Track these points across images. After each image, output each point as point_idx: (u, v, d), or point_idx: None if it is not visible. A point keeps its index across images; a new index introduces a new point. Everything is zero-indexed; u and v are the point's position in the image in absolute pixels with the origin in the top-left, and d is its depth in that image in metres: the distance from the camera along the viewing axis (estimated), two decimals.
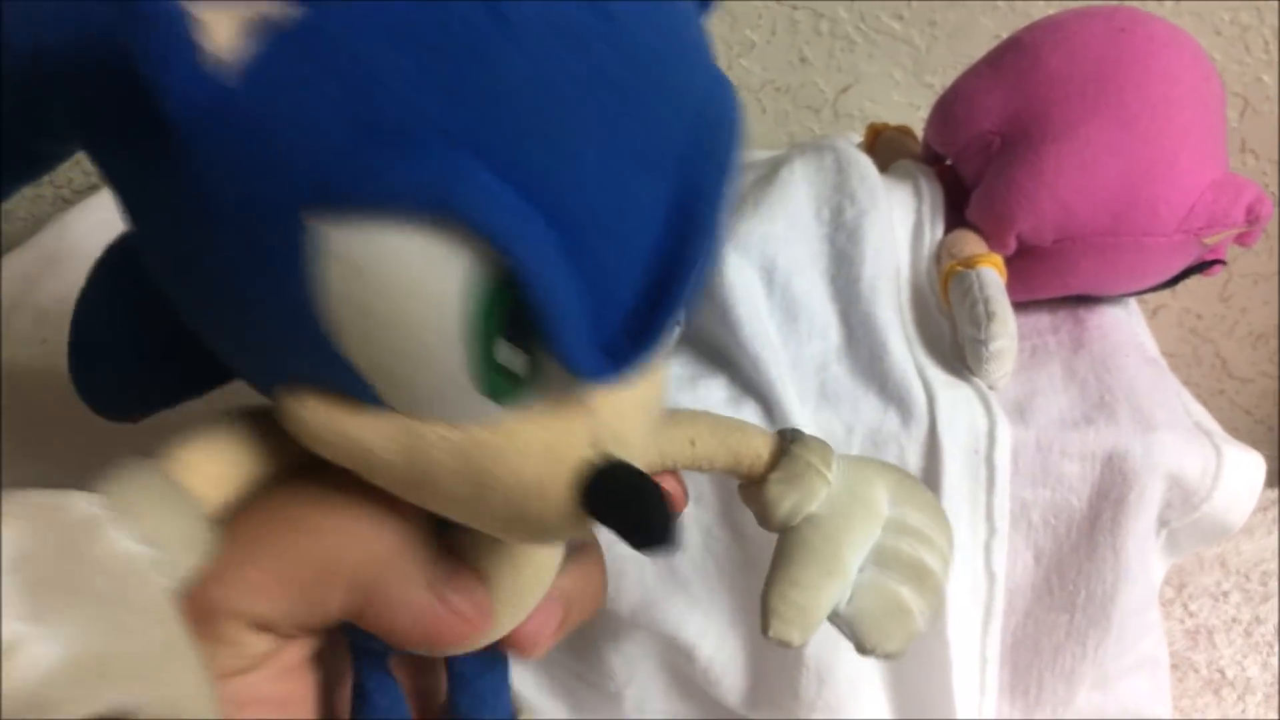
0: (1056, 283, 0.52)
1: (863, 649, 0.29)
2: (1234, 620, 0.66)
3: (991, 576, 0.45)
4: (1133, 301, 0.56)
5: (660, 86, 0.20)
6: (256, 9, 0.17)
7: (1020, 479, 0.45)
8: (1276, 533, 0.73)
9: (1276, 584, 0.69)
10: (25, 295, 0.55)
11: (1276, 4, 0.71)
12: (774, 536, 0.31)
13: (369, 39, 0.17)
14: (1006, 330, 0.46)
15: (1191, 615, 0.67)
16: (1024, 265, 0.51)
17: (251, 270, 0.19)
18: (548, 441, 0.22)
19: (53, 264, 0.58)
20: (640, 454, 0.23)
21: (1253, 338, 0.83)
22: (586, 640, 0.48)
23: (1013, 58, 0.51)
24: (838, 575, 0.29)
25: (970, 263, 0.49)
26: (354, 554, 0.24)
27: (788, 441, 0.30)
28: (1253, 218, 0.48)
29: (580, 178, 0.19)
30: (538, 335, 0.19)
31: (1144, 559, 0.45)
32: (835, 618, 0.29)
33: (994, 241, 0.50)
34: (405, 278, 0.19)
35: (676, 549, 0.24)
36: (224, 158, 0.18)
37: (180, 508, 0.22)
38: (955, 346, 0.49)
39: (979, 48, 0.59)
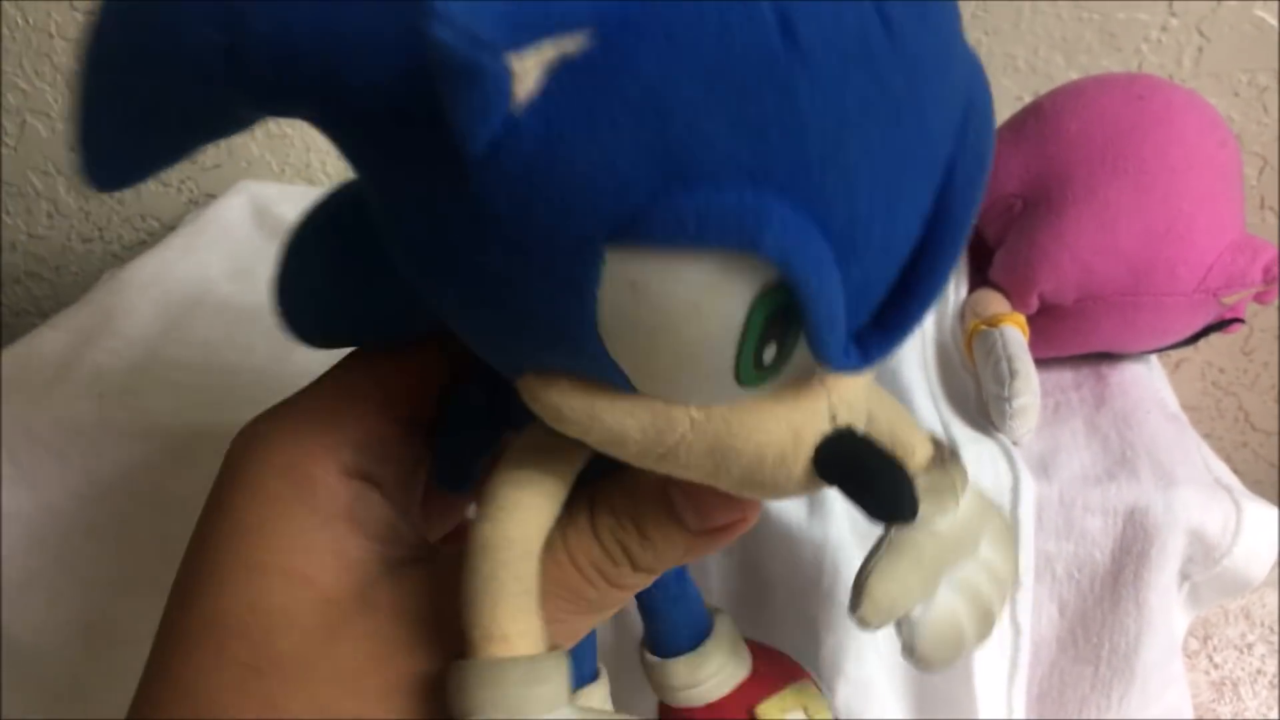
0: (1078, 341, 0.53)
1: (911, 653, 0.31)
2: (1259, 672, 0.67)
3: (1017, 628, 0.46)
4: (1154, 358, 0.57)
5: (936, 93, 0.19)
6: (558, 47, 0.17)
7: (1044, 533, 0.46)
8: None
9: None
10: (80, 351, 0.57)
11: None
12: None
13: (661, 70, 0.17)
14: (1029, 387, 0.47)
15: (1217, 667, 0.67)
16: (1046, 324, 0.52)
17: (534, 286, 0.20)
18: (789, 418, 0.23)
19: (107, 320, 0.60)
20: (866, 424, 0.25)
21: (1275, 391, 0.84)
22: None
23: (1034, 123, 0.53)
24: (930, 588, 0.30)
25: (994, 321, 0.51)
26: None
27: (943, 454, 0.31)
28: (1270, 278, 0.49)
29: (858, 193, 0.19)
30: (797, 331, 0.20)
31: (1166, 612, 0.46)
32: (904, 617, 0.30)
33: (1017, 301, 0.52)
34: (689, 298, 0.19)
35: (914, 516, 0.25)
36: (520, 190, 0.18)
37: (545, 676, 0.24)
38: (980, 403, 0.51)
39: (1002, 108, 0.61)
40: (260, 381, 0.55)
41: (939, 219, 0.20)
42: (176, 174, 0.88)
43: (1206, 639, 0.69)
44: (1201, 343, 0.55)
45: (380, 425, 0.28)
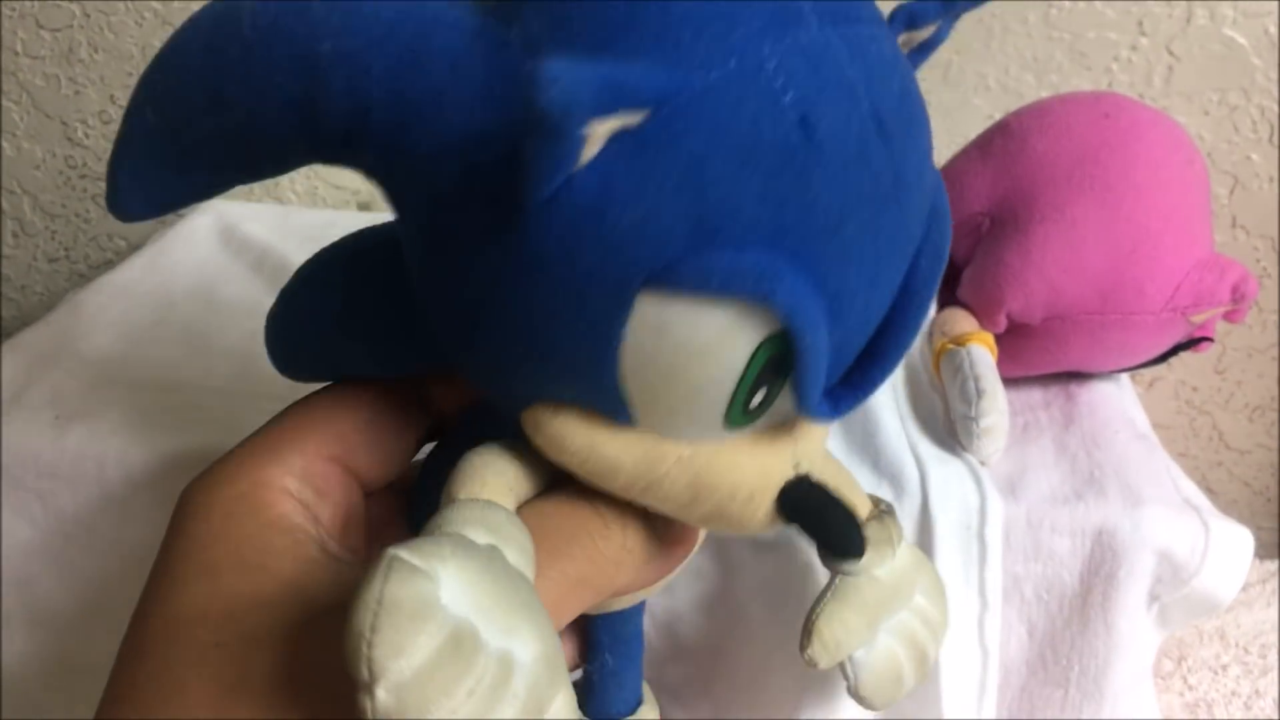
0: (1047, 359, 0.53)
1: (857, 695, 0.34)
2: (1234, 694, 0.66)
3: (985, 650, 0.45)
4: (1124, 377, 0.57)
5: (914, 190, 0.23)
6: (625, 119, 0.20)
7: (1012, 554, 0.46)
8: (1276, 605, 0.73)
9: (1276, 657, 0.69)
10: (38, 372, 0.56)
11: (1267, 85, 0.72)
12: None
13: (703, 149, 0.20)
14: (997, 407, 0.47)
15: (1191, 688, 0.67)
16: (1015, 343, 0.52)
17: (567, 323, 0.23)
18: (762, 461, 0.26)
19: (67, 341, 0.59)
20: (822, 472, 0.28)
21: (1249, 410, 0.84)
22: None
23: (1001, 142, 0.53)
24: (871, 631, 0.34)
25: (961, 340, 0.50)
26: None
27: (880, 509, 0.34)
28: (1238, 296, 0.49)
29: (852, 266, 0.22)
30: (783, 381, 0.24)
31: (1135, 633, 0.46)
32: (848, 659, 0.34)
33: (984, 320, 0.51)
34: (702, 340, 0.22)
35: (862, 555, 0.29)
36: (569, 236, 0.21)
37: (520, 528, 0.25)
38: (948, 423, 0.50)
39: (972, 127, 0.61)
40: (221, 402, 0.54)
41: (905, 295, 0.24)
42: None
43: (1181, 660, 0.69)
44: (1175, 361, 0.55)
45: (316, 465, 0.29)
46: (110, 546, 0.52)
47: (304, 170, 0.84)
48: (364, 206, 0.85)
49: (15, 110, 0.85)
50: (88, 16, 0.81)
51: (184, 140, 0.25)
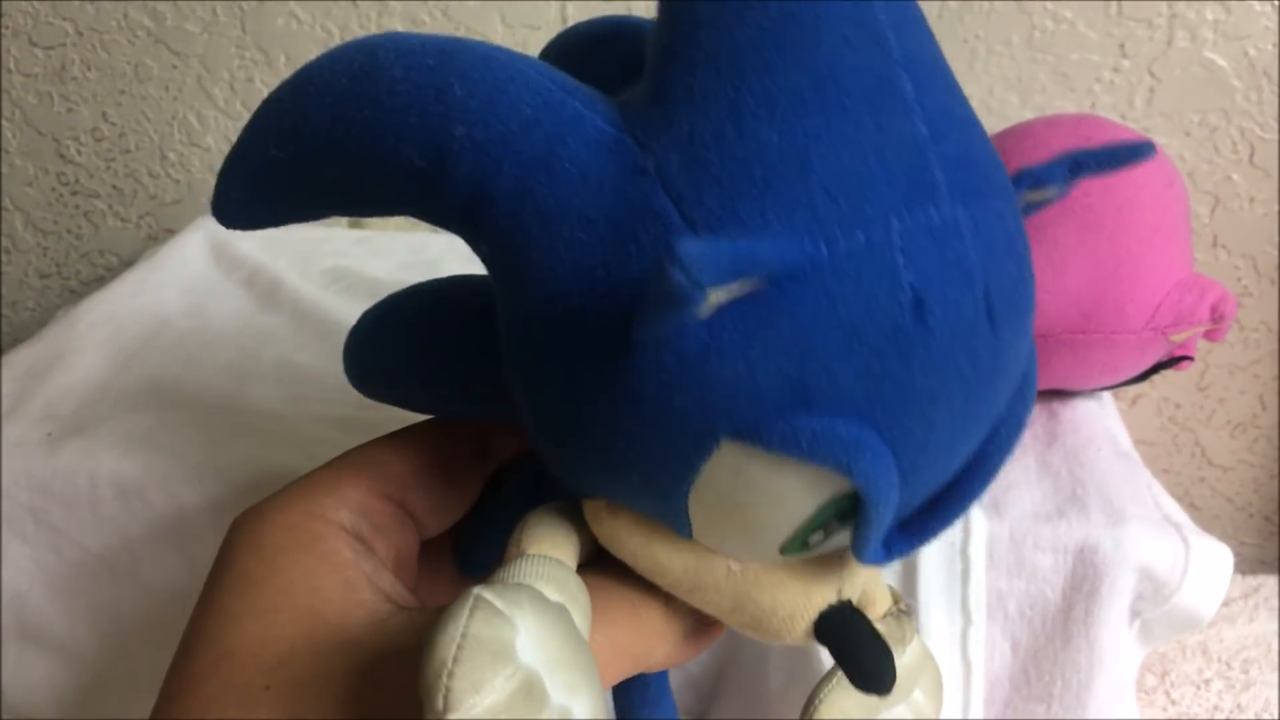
0: None
1: None
2: (1216, 709, 0.67)
3: (968, 666, 0.46)
4: (1106, 394, 0.58)
5: (1008, 369, 0.23)
6: (745, 286, 0.20)
7: (995, 570, 0.46)
8: (1258, 620, 0.74)
9: (1258, 672, 0.69)
10: (30, 389, 0.56)
11: (1247, 106, 0.73)
12: None
13: (813, 319, 0.21)
14: None
15: (1174, 703, 0.68)
16: None
17: (648, 452, 0.23)
18: (807, 586, 0.27)
19: (59, 358, 0.59)
20: (870, 603, 0.28)
21: (1231, 426, 0.85)
22: None
23: None
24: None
25: None
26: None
27: (899, 608, 0.33)
28: (1217, 316, 0.50)
29: (931, 437, 0.22)
30: (845, 525, 0.24)
31: (1118, 650, 0.46)
32: None
33: None
34: (779, 491, 0.22)
35: (890, 690, 0.28)
36: (668, 379, 0.22)
37: (583, 590, 0.25)
38: None
39: None
40: (214, 420, 0.54)
41: (978, 461, 0.24)
42: (135, 209, 0.88)
43: (1164, 675, 0.69)
44: (1158, 379, 0.56)
45: (372, 501, 0.29)
46: (102, 563, 0.52)
47: None
48: (355, 223, 0.86)
49: (8, 127, 0.86)
50: (80, 34, 0.81)
51: (302, 178, 0.26)
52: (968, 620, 0.46)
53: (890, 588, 0.33)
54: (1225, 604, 0.74)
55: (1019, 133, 0.54)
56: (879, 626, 0.32)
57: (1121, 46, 0.73)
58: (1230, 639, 0.72)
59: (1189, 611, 0.46)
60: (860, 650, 0.27)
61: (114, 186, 0.87)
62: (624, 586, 0.28)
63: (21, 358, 0.60)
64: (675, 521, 0.25)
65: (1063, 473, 0.50)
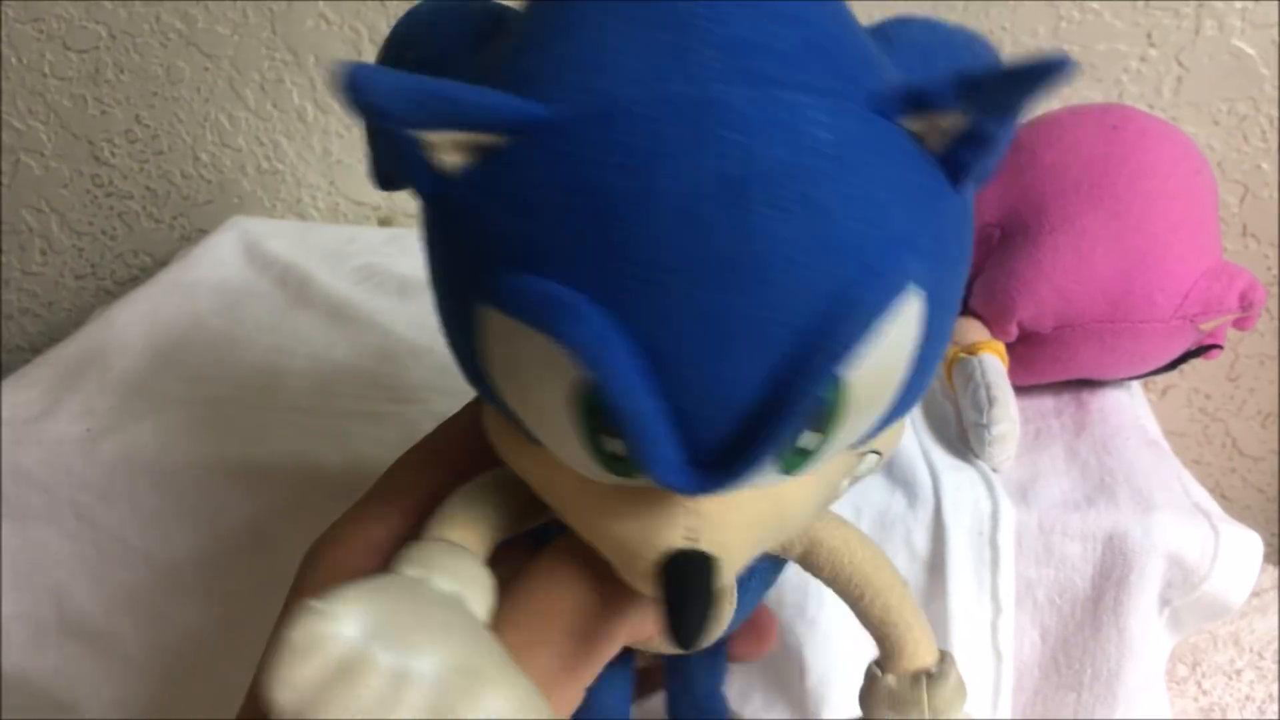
0: (1058, 368, 0.53)
1: None
2: (1248, 698, 0.67)
3: (998, 655, 0.46)
4: (1135, 384, 0.58)
5: (782, 271, 0.21)
6: (471, 138, 0.22)
7: (1024, 559, 0.47)
8: None
9: None
10: (69, 386, 0.58)
11: (1275, 94, 0.73)
12: None
13: (539, 177, 0.21)
14: (1008, 415, 0.48)
15: (1205, 693, 0.67)
16: (1026, 351, 0.53)
17: (450, 307, 0.25)
18: (645, 519, 0.25)
19: (97, 356, 0.60)
20: (737, 558, 0.26)
21: (1261, 416, 0.84)
22: None
23: (1010, 155, 0.53)
24: None
25: (973, 349, 0.51)
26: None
27: (933, 673, 0.31)
28: (1246, 304, 0.50)
29: (678, 329, 0.21)
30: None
31: (1147, 637, 0.46)
32: None
33: (996, 329, 0.52)
34: (531, 364, 0.22)
35: (688, 649, 0.26)
36: (444, 229, 0.24)
37: (465, 559, 0.27)
38: (960, 431, 0.51)
39: None
40: (250, 416, 0.55)
41: (785, 384, 0.22)
42: (169, 210, 0.89)
43: (1195, 665, 0.69)
44: (1187, 369, 0.55)
45: (425, 520, 0.30)
46: (141, 557, 0.53)
47: (325, 186, 0.85)
48: (384, 221, 0.86)
49: (43, 130, 0.87)
50: (114, 38, 0.83)
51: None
52: (997, 609, 0.46)
53: (943, 652, 0.31)
54: (1257, 594, 0.73)
55: (1045, 123, 0.54)
56: (888, 681, 0.31)
57: (1149, 36, 0.73)
58: (1262, 629, 0.71)
59: (1219, 598, 0.46)
60: (677, 600, 0.25)
61: (147, 188, 0.89)
62: (563, 565, 0.29)
63: (60, 356, 0.61)
64: (507, 412, 0.25)
65: (1091, 461, 0.50)
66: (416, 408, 0.55)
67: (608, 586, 0.28)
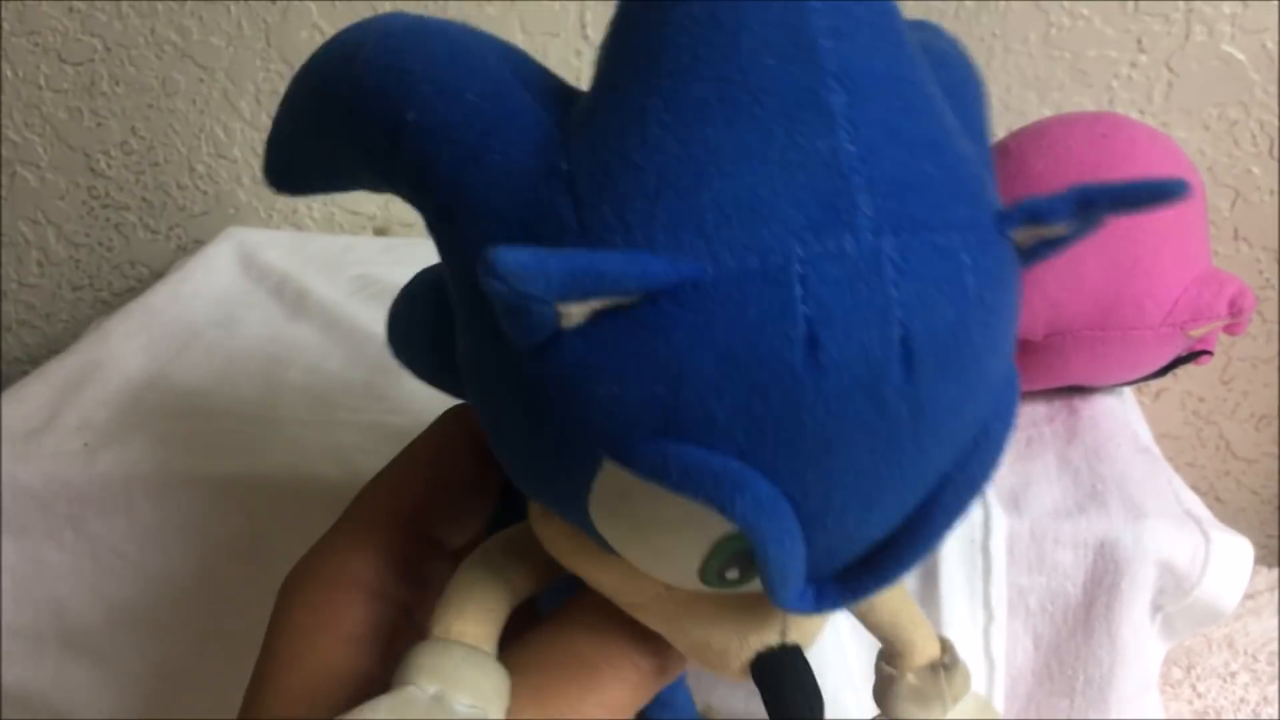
0: (1049, 375, 0.54)
1: None
2: (1242, 701, 0.67)
3: (991, 662, 0.47)
4: (1126, 390, 0.58)
5: (940, 425, 0.20)
6: (608, 302, 0.19)
7: (1017, 566, 0.47)
8: None
9: None
10: (66, 400, 0.58)
11: (1266, 99, 0.73)
12: None
13: (688, 344, 0.19)
14: None
15: (1200, 696, 0.68)
16: (1017, 359, 0.53)
17: (547, 460, 0.22)
18: (741, 624, 0.25)
19: (94, 369, 0.61)
20: (818, 638, 0.27)
21: (1255, 419, 0.85)
22: None
23: (1000, 163, 0.54)
24: None
25: None
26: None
27: (944, 661, 0.31)
28: (1236, 310, 0.50)
29: (836, 490, 0.20)
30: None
31: (1140, 644, 0.47)
32: None
33: None
34: (661, 516, 0.21)
35: None
36: (553, 388, 0.21)
37: (485, 668, 0.25)
38: None
39: None
40: (247, 428, 0.55)
41: (920, 518, 0.22)
42: (165, 221, 0.90)
43: (1190, 668, 0.70)
44: (1181, 373, 0.56)
45: (401, 544, 0.30)
46: (139, 570, 0.53)
47: (321, 197, 0.86)
48: (380, 232, 0.87)
49: (39, 142, 0.87)
50: (109, 51, 0.83)
51: (307, 148, 0.27)
52: (989, 616, 0.47)
53: (942, 639, 0.32)
54: (1251, 597, 0.74)
55: (1035, 131, 0.54)
56: (910, 680, 0.31)
57: (1139, 42, 0.73)
58: (1256, 632, 0.72)
59: (1210, 605, 0.46)
60: (787, 701, 0.25)
61: (143, 199, 0.89)
62: (574, 643, 0.27)
63: (57, 369, 0.61)
64: (591, 535, 0.24)
65: (1083, 469, 0.50)
66: (413, 419, 0.55)
67: (653, 651, 0.27)
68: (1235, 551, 0.46)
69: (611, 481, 0.21)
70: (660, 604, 0.25)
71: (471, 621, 0.26)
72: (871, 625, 0.31)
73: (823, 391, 0.19)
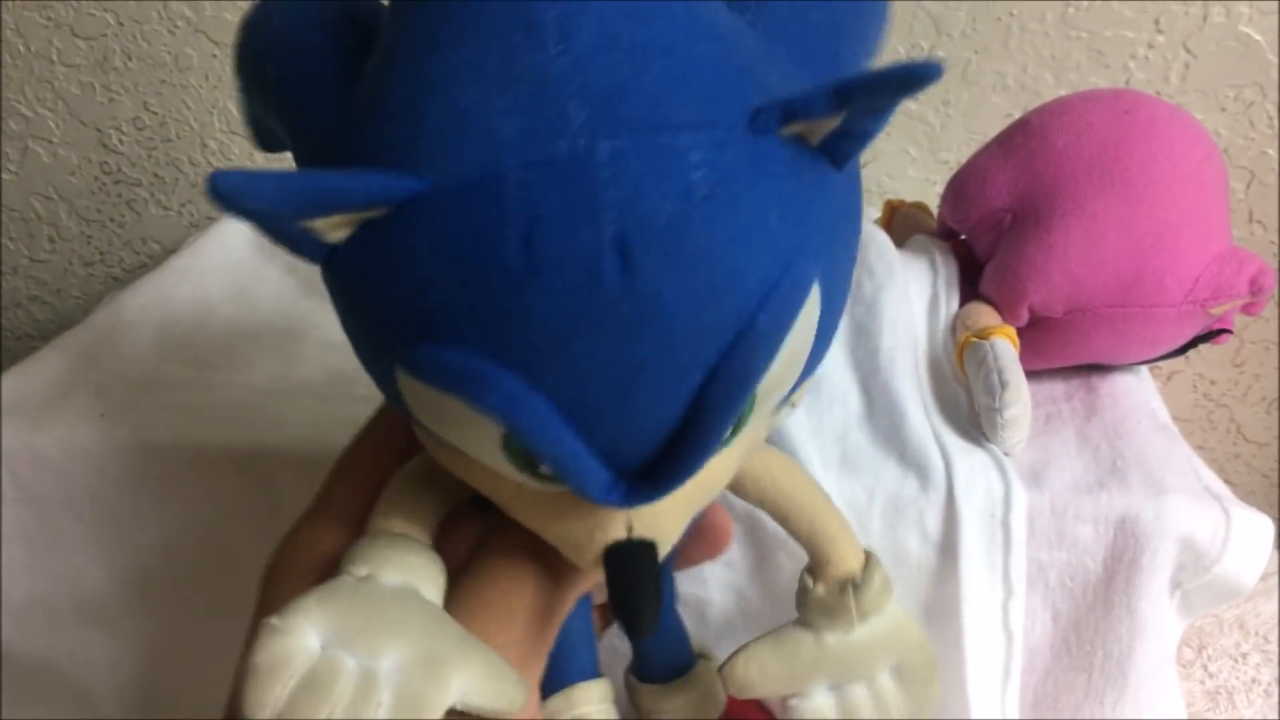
0: (1068, 352, 0.54)
1: None
2: (1254, 681, 0.67)
3: (1009, 636, 0.47)
4: (1144, 369, 0.58)
5: (679, 318, 0.21)
6: (355, 215, 0.22)
7: (1036, 542, 0.47)
8: None
9: None
10: (82, 372, 0.58)
11: (1278, 81, 0.73)
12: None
13: (426, 249, 0.21)
14: (1020, 399, 0.48)
15: (1211, 676, 0.68)
16: (1037, 336, 0.53)
17: (367, 362, 0.25)
18: (588, 520, 0.26)
19: (108, 342, 0.61)
20: (672, 536, 0.27)
21: (1266, 403, 0.85)
22: None
23: (1022, 138, 0.54)
24: (797, 685, 0.33)
25: (984, 334, 0.51)
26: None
27: (860, 579, 0.32)
28: (1256, 289, 0.50)
29: (591, 382, 0.22)
30: None
31: (1159, 620, 0.47)
32: (785, 700, 0.33)
33: (1007, 313, 0.53)
34: (449, 414, 0.23)
35: (643, 637, 0.28)
36: (343, 297, 0.24)
37: (413, 549, 0.28)
38: (971, 414, 0.51)
39: (991, 125, 0.62)
40: (261, 401, 0.55)
41: (700, 411, 0.23)
42: (177, 197, 0.89)
43: (1201, 648, 0.70)
44: (1193, 355, 0.56)
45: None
46: (154, 540, 0.53)
47: None
48: None
49: (51, 117, 0.87)
50: (121, 25, 0.83)
51: (253, 109, 0.29)
52: (1009, 591, 0.47)
53: (868, 553, 0.33)
54: (1263, 578, 0.73)
55: (1057, 108, 0.54)
56: (818, 591, 0.32)
57: (1156, 22, 0.73)
58: (1267, 613, 0.72)
59: (1230, 581, 0.46)
60: (625, 588, 0.26)
61: (156, 175, 0.89)
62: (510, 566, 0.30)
63: (72, 342, 0.61)
64: (419, 428, 0.26)
65: (1102, 445, 0.50)
66: None
67: (555, 564, 0.29)
68: (1256, 528, 0.46)
69: (405, 381, 0.23)
70: (521, 500, 0.27)
71: (398, 519, 0.28)
72: (794, 536, 0.33)
73: (543, 289, 0.21)
